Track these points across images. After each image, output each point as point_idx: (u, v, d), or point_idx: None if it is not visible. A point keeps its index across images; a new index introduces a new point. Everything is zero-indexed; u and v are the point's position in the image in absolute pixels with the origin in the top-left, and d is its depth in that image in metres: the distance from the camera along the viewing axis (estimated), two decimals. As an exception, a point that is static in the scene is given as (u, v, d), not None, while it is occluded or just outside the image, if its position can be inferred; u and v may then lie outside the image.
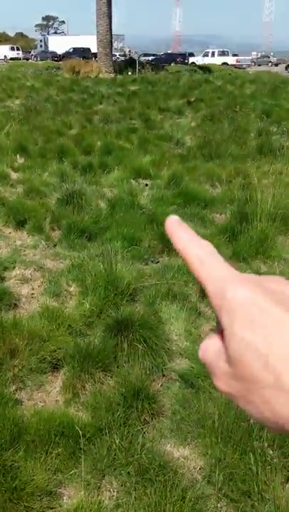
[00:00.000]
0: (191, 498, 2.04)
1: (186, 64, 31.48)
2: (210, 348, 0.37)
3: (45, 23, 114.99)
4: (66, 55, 46.72)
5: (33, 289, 4.01)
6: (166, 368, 2.97)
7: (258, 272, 4.36)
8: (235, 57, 43.05)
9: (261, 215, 5.00)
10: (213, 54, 43.14)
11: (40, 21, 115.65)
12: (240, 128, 10.08)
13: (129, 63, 30.30)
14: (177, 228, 0.41)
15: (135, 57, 34.06)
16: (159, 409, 2.60)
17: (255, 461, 2.08)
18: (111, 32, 27.55)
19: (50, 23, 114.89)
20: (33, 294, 3.95)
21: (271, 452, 1.98)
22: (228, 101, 13.96)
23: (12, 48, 53.94)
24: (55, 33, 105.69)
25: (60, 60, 43.22)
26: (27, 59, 49.53)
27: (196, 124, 11.09)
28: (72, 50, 48.70)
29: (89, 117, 12.05)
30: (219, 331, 0.38)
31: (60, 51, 49.97)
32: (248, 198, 5.73)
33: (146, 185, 6.92)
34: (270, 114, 11.69)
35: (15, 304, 3.74)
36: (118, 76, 24.81)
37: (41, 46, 59.90)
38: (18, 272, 4.21)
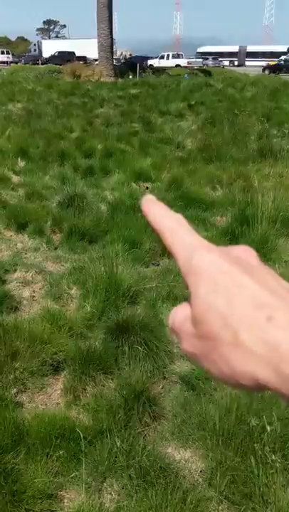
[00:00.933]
0: (192, 500, 2.04)
1: (146, 66, 32.23)
2: (178, 314, 0.39)
3: (46, 27, 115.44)
4: (51, 59, 48.82)
5: (34, 291, 4.02)
6: (167, 371, 2.97)
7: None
8: (187, 60, 44.90)
9: (262, 217, 5.01)
10: (168, 57, 45.00)
11: (41, 25, 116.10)
12: (240, 131, 10.09)
13: (130, 67, 30.37)
14: (152, 205, 0.43)
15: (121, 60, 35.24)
16: (160, 412, 2.60)
17: (256, 464, 2.08)
18: (112, 36, 27.61)
19: (52, 27, 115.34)
20: (34, 296, 3.95)
21: (273, 457, 1.97)
22: (228, 104, 13.97)
23: (2, 52, 54.80)
24: (57, 36, 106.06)
25: (44, 64, 45.40)
26: (16, 62, 50.88)
27: (197, 127, 11.10)
28: (57, 53, 50.34)
29: (90, 121, 12.08)
30: (189, 299, 0.40)
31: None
32: (249, 200, 5.74)
33: (147, 188, 6.93)
34: (270, 116, 11.70)
35: (16, 307, 3.75)
36: (119, 80, 24.86)
37: (35, 50, 60.93)
38: (19, 275, 4.22)
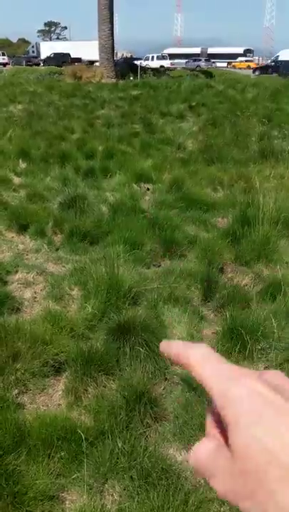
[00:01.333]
0: (194, 502, 2.03)
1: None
2: (203, 450, 0.37)
3: (47, 28, 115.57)
4: (46, 60, 50.05)
5: (35, 292, 4.02)
6: (168, 372, 2.96)
7: (259, 275, 4.36)
8: (170, 61, 46.56)
9: (263, 218, 5.00)
10: (152, 58, 46.89)
11: (42, 27, 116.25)
12: (241, 132, 10.10)
13: (131, 68, 30.41)
14: (169, 344, 0.42)
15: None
16: (162, 413, 2.60)
17: (258, 465, 2.07)
18: (113, 37, 27.62)
19: (53, 29, 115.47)
20: (35, 297, 3.95)
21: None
22: (229, 105, 13.99)
23: None
24: (58, 38, 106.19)
25: (37, 65, 47.06)
26: (4, 64, 51.86)
27: (198, 128, 11.11)
28: (52, 55, 51.31)
29: (91, 122, 12.09)
30: (209, 434, 0.39)
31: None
32: (250, 201, 5.73)
33: (148, 189, 6.94)
34: (271, 118, 11.71)
35: (17, 308, 3.75)
36: (120, 81, 24.89)
37: (33, 52, 61.73)
38: (20, 276, 4.22)
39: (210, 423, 0.39)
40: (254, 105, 13.96)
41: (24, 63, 51.00)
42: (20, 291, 4.02)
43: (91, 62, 41.53)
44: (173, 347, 0.41)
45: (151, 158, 8.19)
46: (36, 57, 57.31)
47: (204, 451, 0.37)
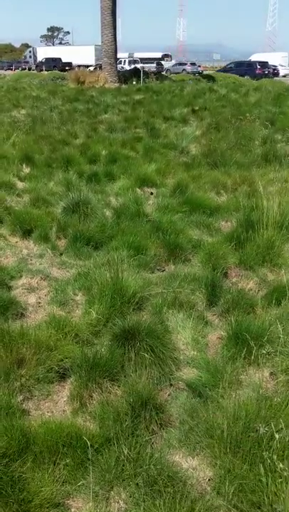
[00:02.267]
0: (201, 509, 2.02)
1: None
2: None
3: (50, 33, 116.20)
4: (38, 65, 52.53)
5: (39, 298, 4.02)
6: (173, 378, 2.95)
7: (264, 280, 4.34)
8: (142, 65, 47.14)
9: (267, 222, 4.98)
10: (124, 62, 48.84)
11: (45, 32, 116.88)
12: (245, 136, 10.09)
13: (134, 73, 30.52)
14: None
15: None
16: (167, 419, 2.58)
17: (265, 472, 2.06)
18: (116, 42, 27.75)
19: (55, 34, 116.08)
20: (39, 303, 3.95)
21: (281, 465, 1.95)
22: (232, 109, 13.99)
23: None
24: (60, 43, 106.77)
25: (29, 69, 49.47)
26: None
27: (201, 133, 11.11)
28: (44, 60, 53.44)
29: (94, 127, 12.11)
30: None
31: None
32: (254, 205, 5.72)
33: (152, 193, 6.94)
34: (274, 121, 11.71)
35: (22, 313, 3.75)
36: (123, 85, 24.97)
37: (30, 57, 63.24)
38: (24, 281, 4.22)
39: None
40: (257, 109, 13.96)
41: (13, 68, 53.30)
42: (24, 296, 4.02)
43: (86, 66, 43.27)
44: None
45: (154, 163, 8.18)
46: (27, 62, 59.33)
47: None
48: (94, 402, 2.71)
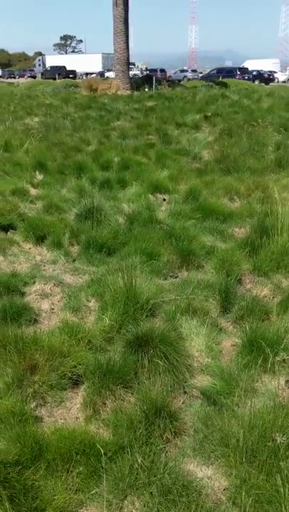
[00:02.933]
0: (216, 520, 1.98)
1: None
2: None
3: (63, 42, 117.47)
4: (44, 73, 54.60)
5: (52, 304, 4.01)
6: (187, 385, 2.92)
7: (278, 286, 4.29)
8: (133, 72, 49.53)
9: (282, 228, 4.94)
10: (108, 70, 51.08)
11: (58, 41, 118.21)
12: (258, 142, 10.04)
13: (146, 80, 30.65)
14: None
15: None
16: (181, 427, 2.55)
17: (283, 483, 2.01)
18: (128, 50, 27.90)
19: (68, 42, 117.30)
20: (52, 309, 3.95)
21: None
22: (245, 115, 13.95)
23: None
24: (73, 51, 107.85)
25: (33, 77, 51.82)
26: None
27: (214, 139, 11.09)
28: (49, 68, 55.51)
29: (106, 133, 12.16)
30: None
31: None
32: (268, 211, 5.67)
33: (164, 199, 6.93)
34: (287, 127, 11.64)
35: (35, 319, 3.75)
36: (135, 92, 25.09)
37: (39, 65, 64.67)
38: (38, 287, 4.22)
39: None
40: (270, 115, 13.90)
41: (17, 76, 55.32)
42: (37, 302, 4.02)
43: (86, 75, 44.94)
44: None
45: (167, 169, 8.17)
46: (32, 70, 60.89)
47: None
48: (107, 409, 2.69)
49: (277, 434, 2.11)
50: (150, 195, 7.00)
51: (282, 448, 2.20)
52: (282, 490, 2.00)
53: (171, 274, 4.62)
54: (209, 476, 2.27)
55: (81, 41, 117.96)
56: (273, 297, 4.17)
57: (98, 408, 2.69)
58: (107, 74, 47.94)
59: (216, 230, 5.64)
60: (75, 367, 2.95)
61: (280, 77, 47.44)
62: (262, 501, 2.05)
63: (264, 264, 4.59)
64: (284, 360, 3.06)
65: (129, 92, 26.01)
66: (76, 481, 2.22)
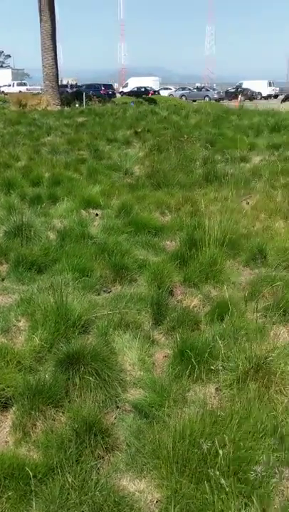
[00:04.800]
0: (149, 533, 1.99)
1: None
2: None
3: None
4: None
5: (-20, 325, 3.87)
6: (120, 400, 2.92)
7: (208, 296, 4.42)
8: (26, 87, 52.25)
9: (209, 240, 5.11)
10: (13, 84, 53.69)
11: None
12: (186, 157, 10.34)
13: (77, 96, 30.72)
14: None
15: None
16: (114, 443, 2.55)
17: (211, 490, 2.06)
18: (56, 66, 27.93)
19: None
20: (-20, 331, 3.81)
21: (223, 481, 1.96)
22: (173, 131, 14.34)
23: None
24: (1, 66, 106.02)
25: None
26: None
27: (144, 154, 11.30)
28: None
29: (37, 149, 12.03)
30: None
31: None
32: (197, 224, 5.86)
33: (97, 214, 6.94)
34: (214, 143, 12.10)
35: None
36: (65, 108, 25.06)
37: None
38: None
39: None
40: (197, 130, 14.38)
41: None
42: None
43: None
44: None
45: (99, 184, 8.21)
46: None
47: None
48: (38, 430, 2.63)
49: (204, 442, 2.16)
50: (82, 211, 6.99)
51: (210, 455, 2.26)
52: (210, 497, 2.05)
53: (104, 289, 4.63)
54: (142, 489, 2.28)
55: (9, 56, 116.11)
56: (203, 307, 4.29)
57: (28, 430, 2.62)
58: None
59: (148, 243, 5.72)
60: (4, 390, 2.86)
61: (162, 92, 50.32)
62: (192, 510, 2.08)
63: (194, 275, 4.72)
64: (213, 368, 3.15)
65: (59, 107, 25.95)
66: (6, 507, 2.15)
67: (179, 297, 4.48)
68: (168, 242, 5.96)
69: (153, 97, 36.33)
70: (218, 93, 49.21)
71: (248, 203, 7.51)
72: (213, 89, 52.36)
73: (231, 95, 46.36)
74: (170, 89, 56.18)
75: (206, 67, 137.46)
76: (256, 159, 10.79)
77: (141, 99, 32.21)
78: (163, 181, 8.56)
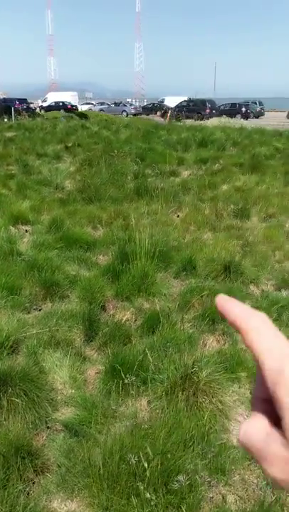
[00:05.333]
0: None
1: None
2: (254, 430, 0.35)
3: None
4: None
5: None
6: (50, 420, 2.88)
7: (140, 309, 4.47)
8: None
9: (141, 253, 5.18)
10: None
11: None
12: (117, 171, 10.45)
13: (5, 110, 30.15)
14: (227, 302, 0.39)
15: None
16: (43, 464, 2.49)
17: (141, 504, 2.07)
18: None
19: None
20: None
21: (148, 495, 1.98)
22: (104, 145, 14.44)
23: None
24: None
25: None
26: None
27: (75, 169, 11.28)
28: None
29: None
30: (263, 410, 0.36)
31: None
32: (128, 238, 5.91)
33: (26, 231, 6.82)
34: (144, 157, 12.32)
35: None
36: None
37: None
38: None
39: (256, 401, 0.37)
40: (128, 145, 14.58)
41: None
42: None
43: None
44: (232, 310, 0.38)
45: (28, 200, 8.08)
46: None
47: (255, 432, 0.35)
48: None
49: (132, 456, 2.17)
50: (11, 227, 6.84)
51: (138, 469, 2.27)
52: (140, 511, 2.05)
53: (34, 307, 4.54)
54: (73, 509, 2.25)
55: None
56: (135, 320, 4.33)
57: None
58: None
59: (80, 258, 5.70)
60: None
61: (84, 107, 51.85)
62: (124, 525, 2.08)
63: (126, 288, 4.75)
64: (143, 381, 3.18)
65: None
66: None
67: (112, 312, 4.49)
68: (100, 257, 5.97)
69: (84, 112, 36.41)
70: (135, 108, 50.30)
71: (178, 216, 7.71)
72: (130, 105, 53.63)
73: (148, 110, 47.54)
74: (91, 104, 57.49)
75: (136, 83, 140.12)
76: (185, 173, 11.11)
77: (72, 114, 32.18)
78: (94, 196, 8.59)
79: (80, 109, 44.51)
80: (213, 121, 26.13)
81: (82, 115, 30.61)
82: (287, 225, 7.47)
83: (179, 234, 6.84)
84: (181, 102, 43.07)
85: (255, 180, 10.33)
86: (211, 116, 34.13)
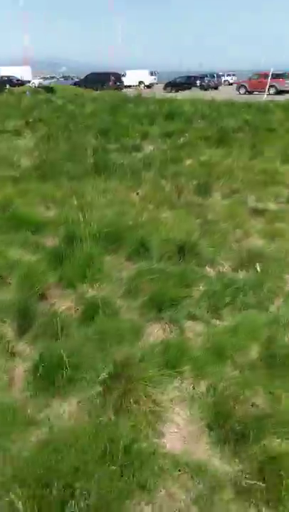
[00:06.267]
0: None
1: None
2: None
3: None
4: None
5: None
6: None
7: (83, 297, 4.13)
8: None
9: (89, 236, 4.82)
10: None
11: None
12: (77, 146, 9.95)
13: None
14: None
15: None
16: None
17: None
18: None
19: None
20: None
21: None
22: (67, 120, 13.82)
23: None
24: None
25: None
26: None
27: (34, 145, 10.72)
28: None
29: None
30: None
31: None
32: (80, 218, 5.52)
33: None
34: (108, 131, 11.81)
35: None
36: None
37: None
38: None
39: None
40: (92, 119, 14.00)
41: None
42: None
43: None
44: None
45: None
46: None
47: None
48: None
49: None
50: None
51: (54, 489, 1.98)
52: None
53: None
54: None
55: None
56: (77, 309, 3.99)
57: None
58: None
59: (26, 241, 5.30)
60: None
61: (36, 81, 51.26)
62: None
63: (70, 274, 4.40)
64: (74, 380, 2.87)
65: None
66: None
67: (52, 300, 4.14)
68: (50, 239, 5.57)
69: (53, 85, 35.17)
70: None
71: (138, 194, 7.33)
72: (78, 78, 52.86)
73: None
74: (42, 78, 56.54)
75: (111, 58, 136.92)
76: (148, 148, 10.67)
77: (40, 89, 31.10)
78: (50, 172, 8.12)
79: (30, 84, 43.36)
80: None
81: (50, 89, 29.56)
82: (250, 201, 7.17)
83: (138, 213, 6.47)
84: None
85: (221, 154, 9.96)
86: (119, 88, 37.18)
